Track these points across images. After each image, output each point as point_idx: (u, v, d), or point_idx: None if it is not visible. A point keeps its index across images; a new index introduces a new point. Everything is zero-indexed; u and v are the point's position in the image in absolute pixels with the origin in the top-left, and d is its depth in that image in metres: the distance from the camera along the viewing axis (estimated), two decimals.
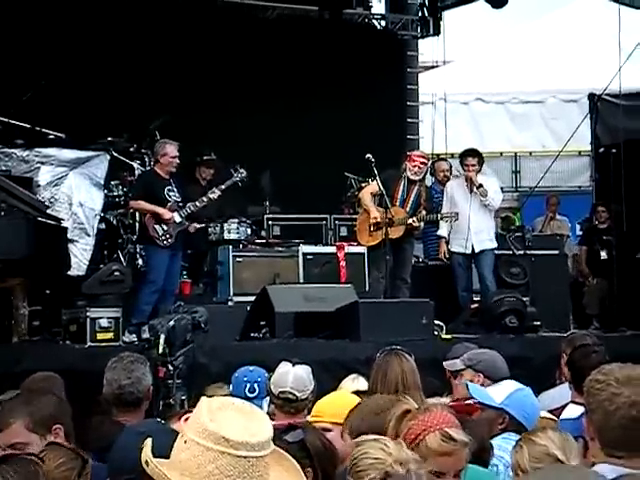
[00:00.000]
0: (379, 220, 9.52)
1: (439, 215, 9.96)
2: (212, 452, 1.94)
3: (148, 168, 10.35)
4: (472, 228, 9.90)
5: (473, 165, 10.08)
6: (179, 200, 9.37)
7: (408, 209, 9.71)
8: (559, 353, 5.85)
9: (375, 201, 9.77)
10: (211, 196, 9.55)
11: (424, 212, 9.78)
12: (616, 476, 2.47)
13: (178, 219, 9.25)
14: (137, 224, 10.25)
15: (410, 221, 9.58)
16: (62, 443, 3.42)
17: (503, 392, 4.11)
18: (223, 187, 9.73)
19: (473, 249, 9.96)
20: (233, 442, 1.93)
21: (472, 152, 10.36)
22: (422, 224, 9.89)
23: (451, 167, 11.57)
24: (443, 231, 10.17)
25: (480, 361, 5.00)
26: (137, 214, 10.16)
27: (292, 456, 2.30)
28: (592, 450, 2.79)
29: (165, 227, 9.19)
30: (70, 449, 3.31)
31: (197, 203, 9.46)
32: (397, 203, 9.72)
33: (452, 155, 15.57)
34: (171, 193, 9.35)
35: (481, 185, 10.01)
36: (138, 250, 10.21)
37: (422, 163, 9.87)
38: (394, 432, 2.99)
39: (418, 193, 9.77)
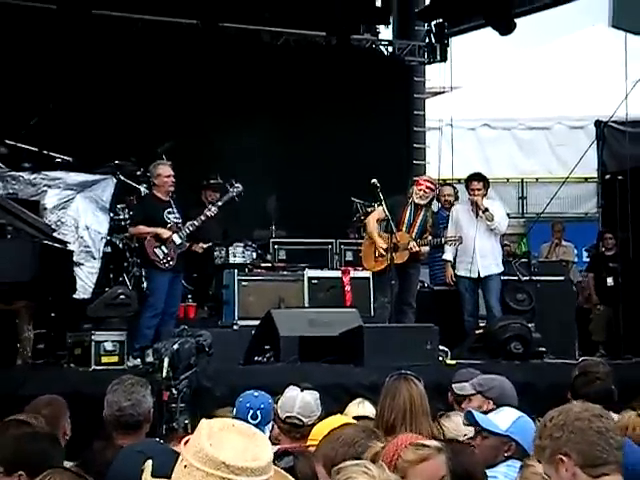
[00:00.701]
0: (385, 248, 9.55)
1: (443, 239, 9.96)
2: (212, 478, 1.92)
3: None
4: (478, 252, 9.91)
5: (479, 189, 10.08)
6: (179, 222, 9.31)
7: (414, 234, 9.71)
8: (565, 380, 5.81)
9: (381, 227, 9.77)
10: (208, 213, 9.41)
11: (430, 237, 9.78)
12: None
13: (178, 240, 9.19)
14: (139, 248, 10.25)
15: (411, 245, 9.53)
16: (66, 467, 3.39)
17: (507, 419, 4.10)
18: (220, 203, 9.62)
19: (479, 273, 9.95)
20: (233, 467, 1.91)
21: (478, 176, 10.36)
22: (427, 248, 9.88)
23: (457, 192, 11.57)
24: (448, 255, 10.17)
25: (491, 388, 4.99)
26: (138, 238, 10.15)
27: None
28: None
29: (165, 250, 9.14)
30: (74, 473, 3.30)
31: (195, 222, 9.36)
32: (404, 228, 9.72)
33: (459, 180, 15.58)
34: (170, 215, 9.28)
35: (487, 209, 10.01)
36: (144, 273, 10.21)
37: (428, 188, 9.86)
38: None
39: (425, 218, 9.79)
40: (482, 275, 9.96)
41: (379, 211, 9.80)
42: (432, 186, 10.00)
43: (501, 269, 10.14)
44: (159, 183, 9.26)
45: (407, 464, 2.95)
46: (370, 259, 9.80)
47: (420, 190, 9.75)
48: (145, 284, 10.08)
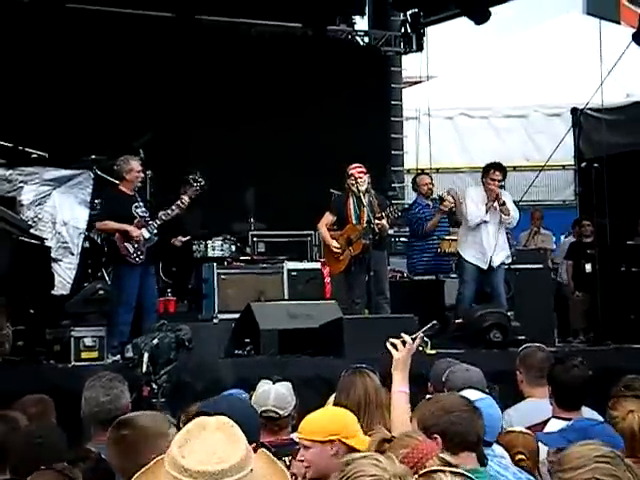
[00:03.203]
0: (340, 246, 9.49)
1: (395, 211, 9.60)
2: None
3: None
4: (496, 245, 9.75)
5: (500, 180, 9.77)
6: (147, 216, 9.23)
7: (365, 221, 9.44)
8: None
9: (337, 227, 9.72)
10: (180, 203, 9.25)
11: (383, 213, 9.43)
12: None
13: (147, 235, 9.10)
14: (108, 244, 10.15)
15: (376, 223, 9.25)
16: (52, 466, 3.39)
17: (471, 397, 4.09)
18: (187, 197, 9.40)
19: (491, 265, 9.82)
20: (191, 472, 1.96)
21: (499, 166, 9.95)
22: (385, 222, 9.42)
23: (432, 180, 11.47)
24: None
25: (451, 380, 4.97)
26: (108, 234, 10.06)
27: None
28: None
29: (136, 244, 9.09)
30: (59, 472, 3.29)
31: (169, 211, 9.26)
32: (353, 221, 9.56)
33: (437, 170, 15.66)
34: (138, 210, 9.20)
35: (504, 202, 9.82)
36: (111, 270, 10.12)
37: (359, 173, 9.49)
38: None
39: (370, 202, 9.47)
40: (494, 266, 9.81)
41: (326, 216, 9.72)
42: (363, 169, 9.57)
43: (510, 258, 10.07)
44: (130, 178, 9.18)
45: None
46: (333, 263, 9.72)
47: (353, 179, 9.47)
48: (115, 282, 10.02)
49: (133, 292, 8.98)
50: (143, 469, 2.11)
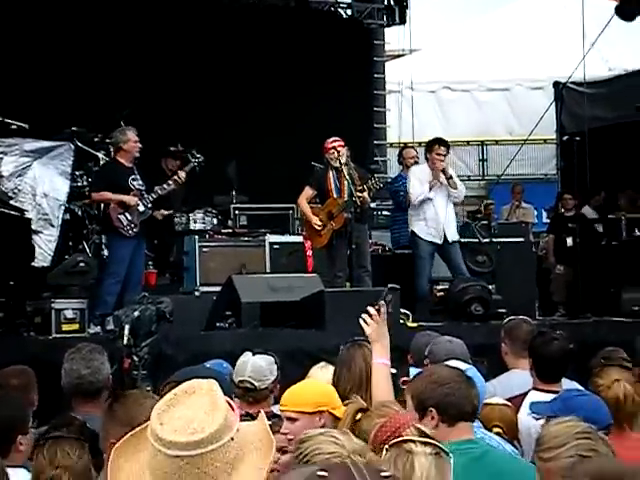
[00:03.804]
0: (321, 221, 9.49)
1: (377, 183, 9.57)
2: (152, 449, 1.96)
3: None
4: (446, 218, 9.80)
5: (444, 155, 9.85)
6: (143, 188, 9.24)
7: (346, 195, 9.41)
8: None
9: (318, 201, 9.71)
10: (177, 178, 9.33)
11: (364, 185, 9.37)
12: None
13: (142, 208, 9.13)
14: (102, 214, 10.18)
15: (357, 196, 9.22)
16: (63, 435, 3.41)
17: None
18: (183, 173, 9.55)
19: (445, 239, 9.88)
20: (164, 441, 1.94)
21: (442, 141, 10.07)
22: (366, 194, 9.38)
23: (418, 154, 11.49)
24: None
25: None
26: (102, 205, 10.08)
27: None
28: None
29: (129, 217, 9.08)
30: (73, 438, 3.32)
31: (165, 186, 9.30)
32: (334, 194, 9.52)
33: (420, 144, 15.62)
34: (135, 182, 9.19)
35: (451, 176, 9.91)
36: (104, 241, 10.14)
37: (338, 146, 9.43)
38: (349, 428, 2.96)
39: (350, 175, 9.41)
40: (449, 240, 9.88)
41: (306, 190, 9.70)
42: (340, 142, 9.51)
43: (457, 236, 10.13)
44: (127, 148, 9.14)
45: None
46: (315, 237, 9.70)
47: (331, 153, 9.44)
48: (105, 251, 10.03)
49: (123, 264, 8.97)
50: (130, 433, 2.09)
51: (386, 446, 2.64)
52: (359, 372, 4.47)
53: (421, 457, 2.57)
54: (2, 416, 3.60)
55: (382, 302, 4.24)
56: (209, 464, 1.94)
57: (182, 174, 9.39)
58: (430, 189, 9.81)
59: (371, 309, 4.11)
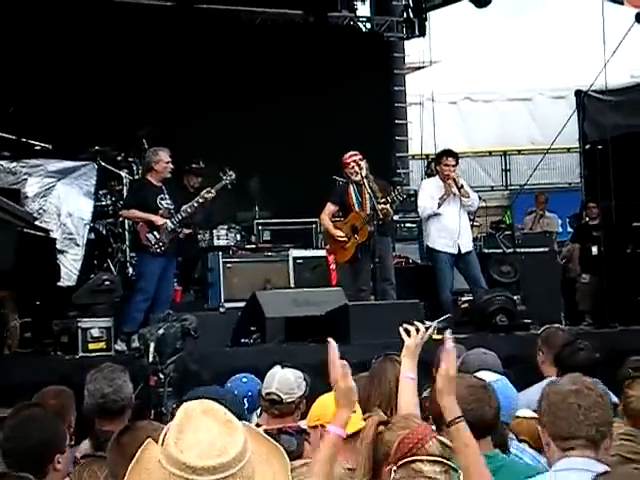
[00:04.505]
0: (345, 235, 9.48)
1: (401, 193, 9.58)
2: (177, 478, 1.91)
3: (137, 177, 10.33)
4: (460, 229, 9.81)
5: (453, 165, 9.87)
6: (171, 207, 9.30)
7: (368, 208, 9.42)
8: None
9: (340, 215, 9.71)
10: (207, 196, 9.36)
11: (386, 197, 9.37)
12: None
13: (170, 226, 9.21)
14: (127, 233, 10.24)
15: (380, 208, 9.22)
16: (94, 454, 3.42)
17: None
18: (215, 190, 9.58)
19: (459, 250, 9.87)
20: (194, 468, 1.90)
21: (451, 152, 10.11)
22: (388, 207, 9.36)
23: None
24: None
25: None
26: (126, 223, 10.15)
27: None
28: (549, 458, 3.04)
29: (158, 235, 9.14)
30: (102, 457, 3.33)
31: (194, 204, 9.35)
32: (356, 208, 9.53)
33: None
34: (163, 201, 9.26)
35: (462, 186, 9.92)
36: (128, 259, 10.20)
37: (356, 160, 9.48)
38: (372, 441, 2.94)
39: (371, 187, 9.41)
40: (463, 251, 9.87)
41: (328, 207, 9.72)
42: (358, 156, 9.56)
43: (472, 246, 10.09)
44: (159, 169, 9.22)
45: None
46: (339, 252, 9.69)
47: (351, 168, 9.48)
48: (130, 269, 10.09)
49: (152, 281, 9.03)
50: (133, 463, 2.02)
51: (394, 467, 2.64)
52: (389, 386, 4.45)
53: (432, 475, 2.57)
54: (40, 435, 3.60)
55: (435, 324, 4.19)
56: None
57: (213, 192, 9.42)
58: (440, 205, 9.82)
59: (419, 324, 4.08)
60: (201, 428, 1.96)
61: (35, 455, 3.50)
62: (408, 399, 4.04)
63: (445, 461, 2.62)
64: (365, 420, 3.02)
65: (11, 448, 3.57)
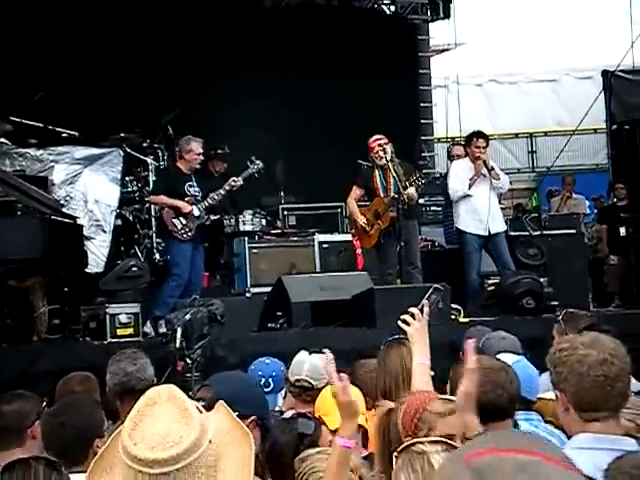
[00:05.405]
0: (368, 221, 9.47)
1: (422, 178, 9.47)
2: (131, 470, 1.90)
3: (162, 163, 10.39)
4: (490, 210, 9.75)
5: (484, 147, 9.80)
6: (199, 194, 9.37)
7: (392, 193, 9.35)
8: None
9: (365, 199, 9.68)
10: (233, 184, 9.44)
11: (409, 180, 9.27)
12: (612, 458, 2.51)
13: (197, 212, 9.27)
14: (153, 219, 10.30)
15: (404, 192, 9.14)
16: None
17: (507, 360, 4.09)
18: (242, 178, 9.64)
19: (489, 231, 9.83)
20: (145, 461, 1.87)
21: (481, 134, 10.03)
22: (413, 190, 9.26)
23: None
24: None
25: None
26: (152, 209, 10.20)
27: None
28: (566, 423, 2.92)
29: (184, 221, 9.21)
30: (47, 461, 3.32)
31: (221, 192, 9.42)
32: (380, 193, 9.48)
33: None
34: (191, 188, 9.35)
35: (493, 168, 9.87)
36: (155, 245, 10.26)
37: (382, 144, 9.41)
38: (384, 426, 2.96)
39: (396, 172, 9.34)
40: (492, 232, 9.83)
41: (354, 191, 9.69)
42: (383, 139, 9.48)
43: (505, 227, 10.03)
44: (188, 158, 9.32)
45: (436, 415, 2.92)
46: (363, 238, 9.67)
47: (376, 152, 9.42)
48: (157, 255, 10.14)
49: (186, 266, 9.12)
50: (99, 453, 2.01)
51: (395, 454, 2.64)
52: (394, 370, 4.46)
53: (435, 455, 2.57)
54: (78, 421, 3.58)
55: (425, 301, 4.21)
56: (195, 472, 1.90)
57: (240, 180, 9.47)
58: (470, 186, 9.76)
59: (413, 309, 4.09)
60: (154, 418, 1.92)
61: (76, 441, 3.51)
62: (421, 386, 4.05)
63: (444, 440, 2.62)
64: (375, 409, 3.06)
65: (53, 436, 3.59)
